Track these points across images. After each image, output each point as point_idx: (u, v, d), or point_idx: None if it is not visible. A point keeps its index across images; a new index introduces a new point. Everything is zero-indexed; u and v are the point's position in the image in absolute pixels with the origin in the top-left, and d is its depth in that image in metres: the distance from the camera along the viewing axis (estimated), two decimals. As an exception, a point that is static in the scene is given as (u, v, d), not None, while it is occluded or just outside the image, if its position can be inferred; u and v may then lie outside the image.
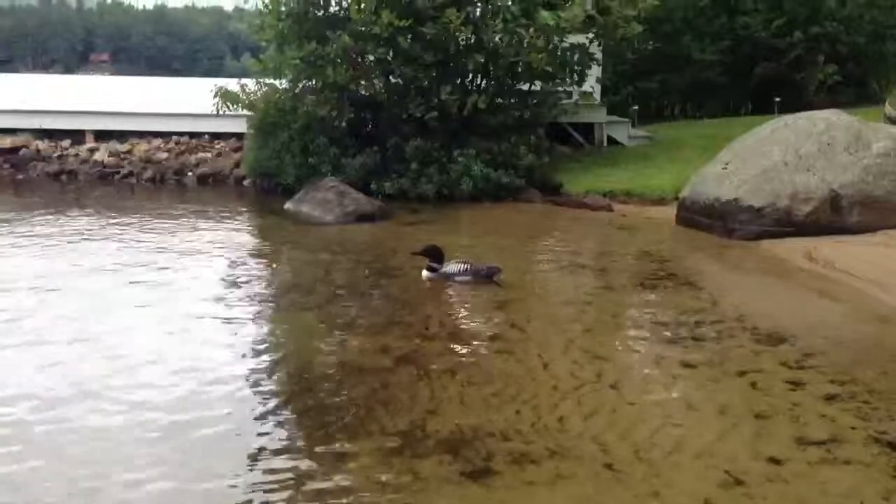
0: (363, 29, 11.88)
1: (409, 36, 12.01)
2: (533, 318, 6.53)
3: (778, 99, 17.21)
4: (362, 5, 11.90)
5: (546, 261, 8.74)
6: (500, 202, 12.40)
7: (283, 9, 12.55)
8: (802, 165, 9.42)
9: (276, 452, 4.07)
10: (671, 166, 13.15)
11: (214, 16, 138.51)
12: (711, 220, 9.82)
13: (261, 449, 4.10)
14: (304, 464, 3.96)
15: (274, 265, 8.51)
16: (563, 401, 4.74)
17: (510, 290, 7.47)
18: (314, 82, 12.82)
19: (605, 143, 15.77)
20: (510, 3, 12.37)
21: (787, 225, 9.20)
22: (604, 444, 4.16)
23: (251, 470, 3.91)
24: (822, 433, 4.25)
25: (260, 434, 4.27)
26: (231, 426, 4.36)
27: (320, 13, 12.77)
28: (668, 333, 6.05)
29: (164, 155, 15.21)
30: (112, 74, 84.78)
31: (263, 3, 12.96)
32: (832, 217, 9.13)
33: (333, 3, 12.87)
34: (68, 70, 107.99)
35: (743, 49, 19.07)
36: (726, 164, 10.19)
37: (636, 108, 18.39)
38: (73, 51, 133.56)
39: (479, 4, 12.45)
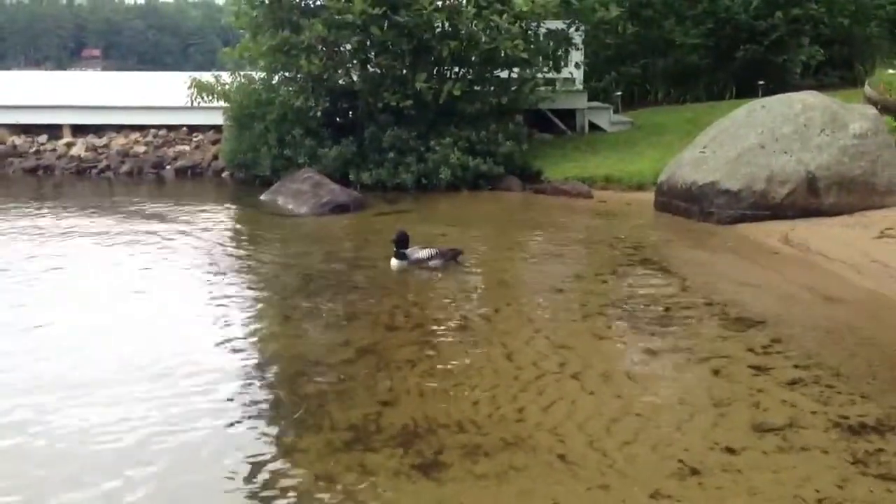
0: (337, 17, 11.72)
1: (384, 24, 11.88)
2: (500, 307, 6.43)
3: (762, 82, 17.07)
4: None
5: (520, 249, 8.65)
6: (478, 190, 12.33)
7: (257, -5, 12.40)
8: (779, 148, 9.34)
9: (220, 449, 3.97)
10: (652, 152, 13.05)
11: (206, 9, 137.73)
12: (689, 204, 9.75)
13: (205, 445, 4.01)
14: (250, 460, 3.86)
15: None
16: (523, 391, 4.65)
17: (480, 279, 7.41)
18: (289, 72, 12.68)
19: (587, 130, 15.65)
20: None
21: (763, 208, 9.13)
22: (560, 435, 4.08)
23: (194, 468, 3.82)
24: (781, 419, 4.17)
25: (205, 430, 4.16)
26: (176, 421, 4.26)
27: (294, 0, 12.60)
28: (635, 321, 5.97)
29: (142, 148, 15.08)
30: (104, 70, 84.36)
31: (238, -10, 12.82)
32: (809, 199, 9.05)
33: (308, -11, 12.71)
34: (60, 66, 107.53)
35: (725, 32, 18.90)
36: (704, 147, 10.10)
37: (619, 93, 18.24)
38: (65, 47, 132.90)
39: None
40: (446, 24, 12.28)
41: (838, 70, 20.68)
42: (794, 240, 8.18)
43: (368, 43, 12.31)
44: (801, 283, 6.92)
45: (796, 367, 4.93)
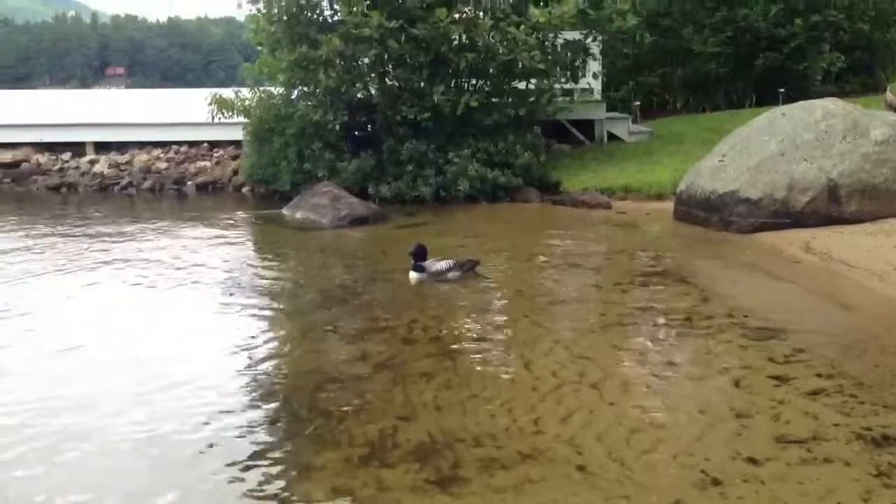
0: (354, 31, 11.79)
1: (402, 37, 11.94)
2: (519, 319, 6.41)
3: (782, 90, 16.97)
4: (354, 8, 11.82)
5: (538, 260, 8.62)
6: (497, 202, 12.30)
7: (275, 11, 12.50)
8: (799, 155, 9.26)
9: (240, 463, 3.97)
10: (671, 161, 12.99)
11: (227, 26, 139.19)
12: (708, 213, 9.68)
13: (225, 459, 4.01)
14: (267, 475, 3.86)
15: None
16: (541, 402, 4.62)
17: (498, 291, 7.39)
18: (307, 87, 12.77)
19: (606, 140, 15.61)
20: (500, 1, 12.26)
21: (784, 216, 9.05)
22: (578, 447, 4.05)
23: (212, 481, 3.82)
24: (804, 431, 4.11)
25: (225, 444, 4.17)
26: (199, 435, 4.27)
27: (312, 16, 12.70)
28: (655, 331, 5.93)
29: (164, 165, 15.23)
30: (127, 88, 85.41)
31: (257, 7, 12.94)
32: (830, 207, 8.96)
33: (325, 5, 12.81)
34: (84, 85, 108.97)
35: (744, 40, 18.82)
36: (723, 156, 10.04)
37: (638, 103, 18.20)
38: (89, 66, 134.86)
39: (469, 3, 12.34)
40: (463, 37, 12.33)
41: (859, 76, 20.51)
42: (816, 248, 8.09)
43: (386, 56, 12.37)
44: (822, 292, 6.84)
45: (818, 376, 4.87)
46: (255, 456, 4.05)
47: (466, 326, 6.24)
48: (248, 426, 4.40)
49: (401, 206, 12.09)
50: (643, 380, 4.97)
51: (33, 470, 3.96)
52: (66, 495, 3.73)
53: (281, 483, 3.80)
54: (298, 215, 11.24)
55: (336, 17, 12.56)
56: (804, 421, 4.24)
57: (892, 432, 4.06)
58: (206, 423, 4.43)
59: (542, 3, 12.99)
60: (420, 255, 7.59)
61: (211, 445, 4.17)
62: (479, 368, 5.23)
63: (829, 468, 3.75)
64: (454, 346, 5.72)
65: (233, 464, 3.97)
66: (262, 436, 4.31)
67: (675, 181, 11.13)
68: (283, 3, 12.42)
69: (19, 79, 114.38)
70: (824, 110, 9.67)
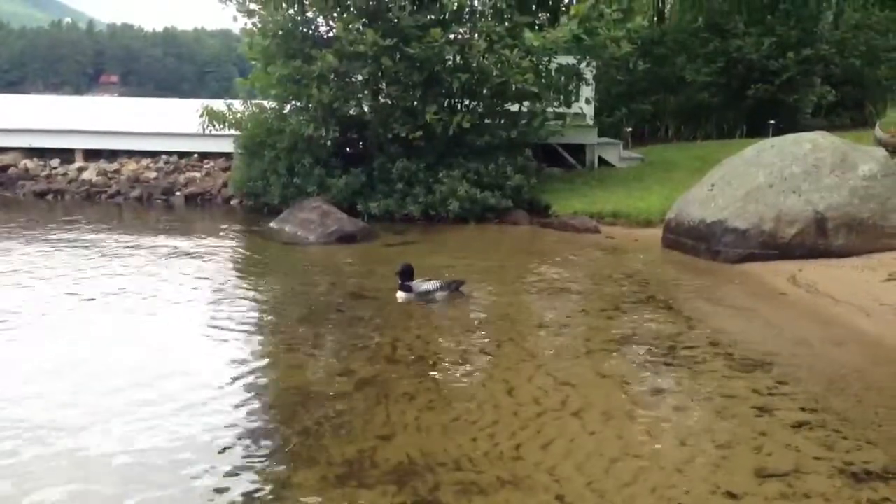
0: (349, 48, 11.81)
1: (396, 55, 11.97)
2: (503, 342, 6.38)
3: (773, 121, 17.10)
4: (349, 25, 11.85)
5: (525, 283, 8.60)
6: (486, 223, 12.31)
7: (270, 26, 12.51)
8: (788, 187, 9.29)
9: (214, 479, 3.92)
10: (661, 188, 13.03)
11: (223, 38, 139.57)
12: (696, 242, 9.70)
13: (199, 475, 3.95)
14: (243, 493, 3.80)
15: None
16: (523, 429, 4.58)
17: (484, 313, 7.36)
18: (300, 102, 12.77)
19: (597, 165, 15.67)
20: (495, 24, 12.32)
21: (772, 247, 9.06)
22: (558, 475, 4.00)
23: (186, 497, 3.76)
24: (785, 464, 4.08)
25: (199, 460, 4.11)
26: (173, 450, 4.21)
27: (307, 31, 12.72)
28: (639, 359, 5.90)
29: (153, 174, 15.17)
30: (121, 96, 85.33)
31: (252, 21, 12.95)
32: (818, 240, 8.98)
33: (321, 22, 12.83)
34: (78, 92, 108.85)
35: (737, 71, 19.00)
36: (712, 185, 10.07)
37: (629, 129, 18.31)
38: (84, 73, 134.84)
39: (465, 25, 12.40)
40: (457, 58, 12.39)
41: (849, 111, 20.72)
42: (802, 281, 8.10)
43: (380, 74, 12.39)
44: (808, 325, 6.84)
45: (802, 410, 4.85)
46: (230, 473, 3.99)
47: (451, 348, 6.20)
48: (225, 442, 4.34)
49: (390, 223, 12.08)
50: (625, 408, 4.93)
51: None
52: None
53: (257, 501, 3.73)
54: (286, 230, 11.20)
55: (331, 34, 12.58)
56: (786, 454, 4.21)
57: (875, 468, 4.04)
58: (182, 439, 4.37)
59: (536, 27, 13.03)
60: (407, 274, 7.58)
61: (185, 461, 4.11)
62: (461, 391, 5.18)
63: (810, 504, 3.72)
64: (438, 367, 5.68)
65: (207, 480, 3.91)
66: (239, 452, 4.24)
67: (664, 208, 11.16)
68: (279, 18, 12.43)
69: (12, 83, 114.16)
70: (813, 144, 9.72)
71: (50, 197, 14.77)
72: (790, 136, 10.32)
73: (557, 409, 4.88)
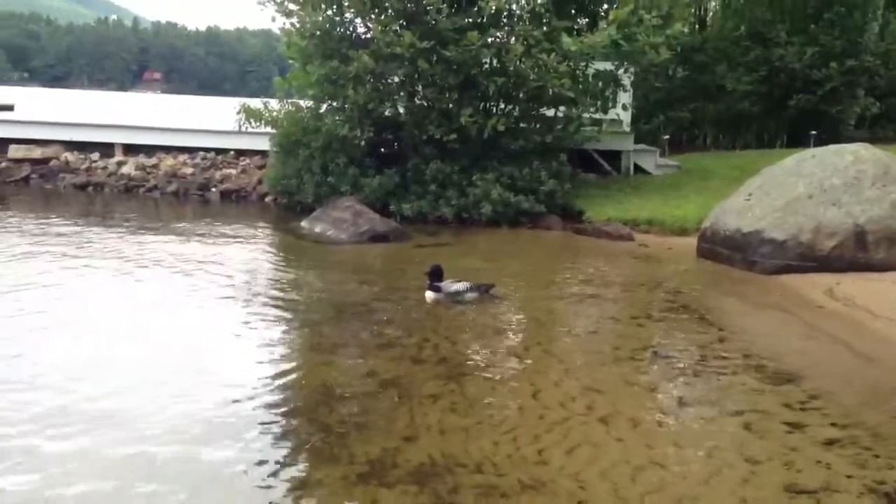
0: (386, 49, 11.84)
1: (433, 58, 11.97)
2: (532, 346, 6.33)
3: (814, 132, 16.84)
4: (386, 27, 11.88)
5: (556, 288, 8.53)
6: (518, 227, 12.25)
7: (308, 26, 12.58)
8: (828, 199, 9.12)
9: (234, 475, 3.92)
10: (697, 197, 12.88)
11: (264, 38, 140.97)
12: (732, 251, 9.55)
13: (220, 471, 3.96)
14: (264, 489, 3.80)
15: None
16: (548, 433, 4.53)
17: (513, 316, 7.32)
18: (336, 102, 12.82)
19: (632, 172, 15.53)
20: (533, 28, 12.26)
21: (809, 259, 8.90)
22: (582, 481, 3.95)
23: (207, 494, 3.76)
24: (815, 481, 3.98)
25: (221, 455, 4.12)
26: (192, 445, 4.22)
27: (344, 32, 12.78)
28: (669, 368, 5.81)
29: (190, 170, 15.33)
30: (163, 93, 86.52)
31: (290, 22, 13.04)
32: (857, 253, 8.80)
33: (358, 23, 12.88)
34: (122, 88, 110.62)
35: (778, 80, 18.72)
36: (750, 195, 9.92)
37: (667, 137, 18.12)
38: (128, 70, 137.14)
39: (503, 28, 12.36)
40: (494, 61, 12.35)
41: (893, 123, 20.31)
42: (839, 294, 7.93)
43: (416, 76, 12.40)
44: (843, 340, 6.69)
45: (833, 426, 4.74)
46: (251, 468, 3.99)
47: (477, 350, 6.16)
48: (247, 437, 4.34)
49: (422, 225, 12.07)
50: (653, 417, 4.86)
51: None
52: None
53: (275, 498, 3.73)
54: (318, 228, 11.24)
55: (368, 35, 12.63)
56: (816, 471, 4.12)
57: (907, 488, 3.93)
58: (203, 431, 4.39)
59: (574, 32, 12.95)
60: (436, 275, 7.57)
61: (206, 456, 4.12)
62: (486, 393, 5.14)
63: (840, 522, 3.63)
64: (463, 369, 5.64)
65: (227, 475, 3.92)
66: (261, 448, 4.24)
67: (699, 217, 11.02)
68: (317, 19, 12.50)
69: (58, 78, 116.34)
70: (855, 155, 9.53)
71: (90, 189, 14.99)
72: (832, 147, 10.13)
73: (583, 414, 4.83)
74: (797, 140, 17.56)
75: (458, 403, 4.93)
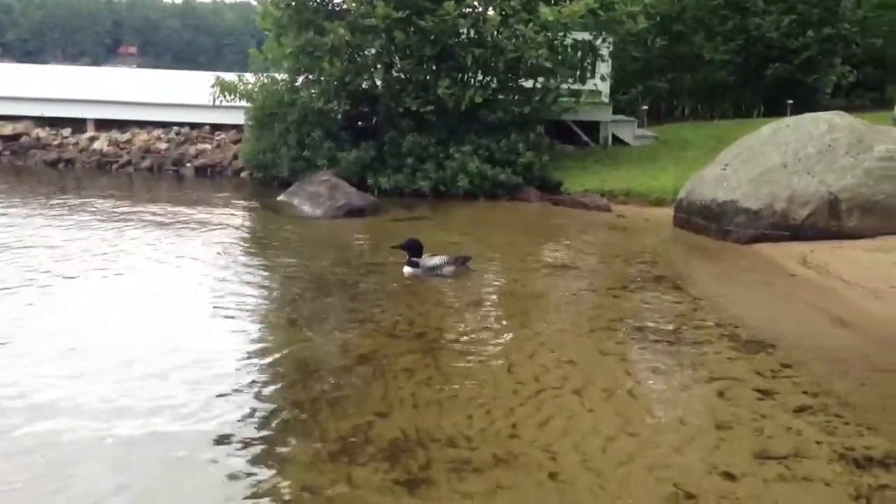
0: (361, 20, 11.69)
1: (409, 28, 11.84)
2: (507, 318, 6.34)
3: (791, 101, 16.85)
4: (360, -4, 11.75)
5: (533, 260, 8.52)
6: (497, 200, 12.21)
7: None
8: (802, 168, 9.15)
9: (205, 452, 3.90)
10: (674, 167, 12.88)
11: (241, 10, 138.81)
12: (708, 221, 9.58)
13: (189, 449, 3.93)
14: (234, 467, 3.78)
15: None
16: (521, 406, 4.53)
17: (489, 289, 7.32)
18: (312, 74, 12.68)
19: (610, 143, 15.51)
20: (510, -3, 12.16)
21: (784, 228, 8.94)
22: (554, 453, 3.96)
23: (176, 472, 3.75)
24: (785, 447, 4.02)
25: (191, 433, 4.10)
26: (162, 423, 4.19)
27: (320, 2, 12.60)
28: (644, 338, 5.83)
29: (164, 145, 15.14)
30: (138, 67, 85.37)
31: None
32: (830, 221, 8.84)
33: (334, -8, 12.72)
34: (96, 62, 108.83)
35: (755, 49, 18.69)
36: (726, 165, 9.93)
37: (645, 107, 18.09)
38: (101, 43, 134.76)
39: (479, -2, 12.24)
40: (471, 32, 12.24)
41: (870, 92, 20.39)
42: (813, 262, 7.99)
43: (392, 47, 12.26)
44: (816, 307, 6.74)
45: (804, 393, 4.78)
46: (222, 445, 3.97)
47: (453, 324, 6.16)
48: (218, 414, 4.32)
49: (399, 198, 12.01)
50: (626, 387, 4.87)
51: None
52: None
53: (246, 475, 3.71)
54: (295, 203, 11.16)
55: (344, 5, 12.46)
56: (786, 437, 4.15)
57: (875, 454, 3.97)
58: (174, 409, 4.36)
59: (552, 2, 12.84)
60: (415, 250, 7.52)
61: (176, 434, 4.09)
62: (461, 367, 5.14)
63: (808, 487, 3.66)
64: (438, 343, 5.63)
65: (198, 452, 3.90)
66: (233, 424, 4.21)
67: (676, 188, 11.02)
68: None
69: (31, 53, 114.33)
70: (829, 124, 9.55)
71: (61, 166, 14.79)
72: (807, 116, 10.14)
73: (557, 386, 4.83)
74: (774, 109, 17.55)
75: (433, 377, 4.93)
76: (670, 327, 6.06)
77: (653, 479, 3.73)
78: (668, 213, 10.61)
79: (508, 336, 5.88)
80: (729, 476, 3.74)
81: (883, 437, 4.16)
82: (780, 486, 3.67)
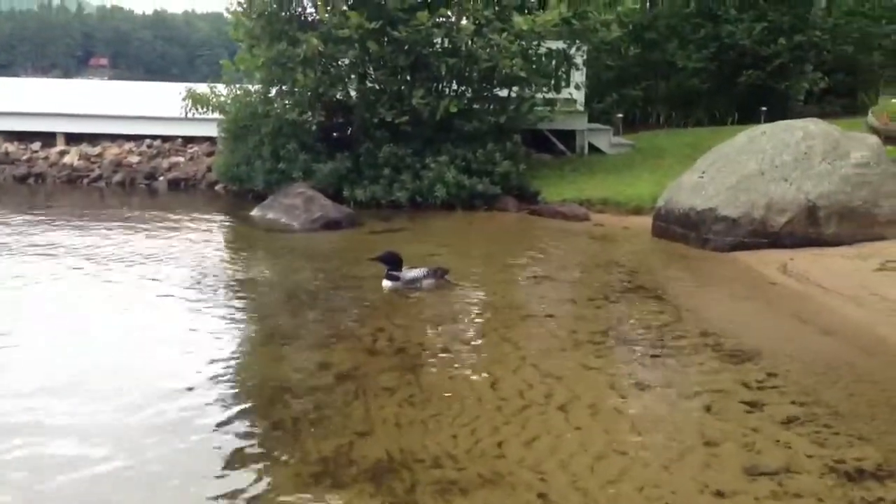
0: (334, 31, 11.58)
1: (382, 39, 11.75)
2: (488, 333, 6.24)
3: (764, 108, 16.94)
4: (329, 6, 11.62)
5: (512, 272, 8.45)
6: (474, 210, 12.13)
7: (255, 6, 12.26)
8: (779, 175, 9.16)
9: (182, 478, 3.76)
10: (651, 175, 12.88)
11: (213, 21, 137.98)
12: (686, 230, 9.56)
13: (165, 473, 3.79)
14: (210, 491, 3.64)
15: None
16: (506, 424, 4.43)
17: (469, 302, 7.22)
18: (285, 85, 12.54)
19: (587, 151, 15.49)
20: (483, 7, 12.09)
21: (762, 236, 8.94)
22: (542, 472, 3.86)
23: (149, 494, 3.60)
24: (775, 462, 3.94)
25: (166, 456, 3.95)
26: (136, 446, 4.04)
27: (292, 13, 12.48)
28: (627, 350, 5.77)
29: (136, 159, 14.91)
30: (110, 79, 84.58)
31: (238, 1, 12.69)
32: (809, 228, 8.86)
33: (307, 3, 12.58)
34: (67, 74, 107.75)
35: (728, 57, 18.79)
36: (703, 173, 9.93)
37: (620, 115, 18.11)
38: (73, 55, 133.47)
39: (452, 7, 12.16)
40: (445, 41, 12.17)
41: (842, 98, 20.53)
42: (793, 270, 7.98)
43: (366, 58, 12.16)
44: (798, 316, 6.71)
45: (792, 403, 4.72)
46: (198, 469, 3.83)
47: (433, 339, 6.05)
48: (195, 436, 4.18)
49: (376, 210, 11.89)
50: (612, 403, 4.79)
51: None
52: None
53: (226, 499, 3.57)
54: (270, 216, 11.01)
55: (317, 16, 12.34)
56: (776, 451, 4.08)
57: (867, 466, 3.91)
58: (146, 431, 4.21)
59: (525, 11, 12.81)
60: (394, 263, 7.40)
61: (149, 457, 3.95)
62: (443, 385, 5.03)
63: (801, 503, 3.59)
64: (419, 360, 5.52)
65: (173, 479, 3.76)
66: (209, 447, 4.07)
67: (654, 196, 11.01)
68: (265, 1, 12.18)
69: (1, 66, 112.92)
70: (805, 131, 9.58)
71: (31, 181, 14.51)
72: (782, 123, 10.17)
73: (542, 403, 4.74)
74: (748, 116, 17.62)
75: (415, 396, 4.81)
76: (653, 339, 6.00)
77: (643, 498, 3.64)
78: (646, 221, 10.58)
79: (490, 351, 5.79)
80: (720, 494, 3.65)
81: (874, 447, 4.11)
82: (773, 502, 3.59)
